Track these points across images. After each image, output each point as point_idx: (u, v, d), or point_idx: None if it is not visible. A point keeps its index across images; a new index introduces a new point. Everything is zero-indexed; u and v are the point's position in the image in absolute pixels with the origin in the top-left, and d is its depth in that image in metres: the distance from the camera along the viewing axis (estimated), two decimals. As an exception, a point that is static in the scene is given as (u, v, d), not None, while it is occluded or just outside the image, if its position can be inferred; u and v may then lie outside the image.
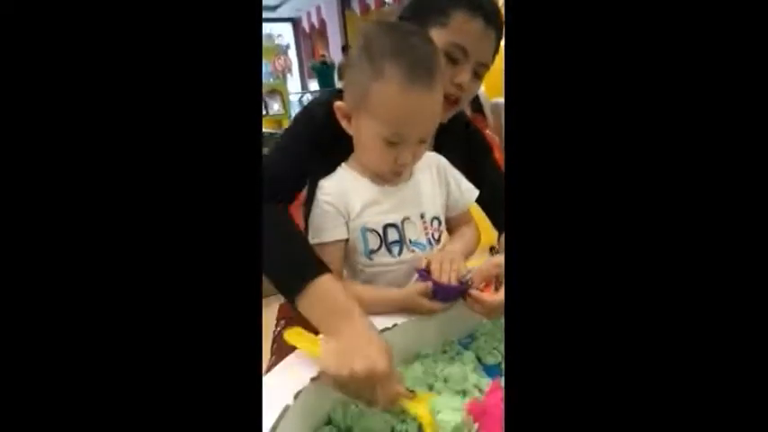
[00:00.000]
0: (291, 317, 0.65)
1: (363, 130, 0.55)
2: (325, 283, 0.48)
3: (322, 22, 8.28)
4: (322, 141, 0.60)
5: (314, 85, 7.03)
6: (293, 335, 0.50)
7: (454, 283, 0.53)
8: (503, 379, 0.50)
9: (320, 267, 0.49)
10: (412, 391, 0.44)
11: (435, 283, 0.53)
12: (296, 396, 0.43)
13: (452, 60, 0.63)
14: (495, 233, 0.76)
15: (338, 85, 5.96)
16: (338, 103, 0.56)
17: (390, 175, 0.58)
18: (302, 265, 0.49)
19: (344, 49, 6.62)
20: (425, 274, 0.55)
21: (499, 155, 1.36)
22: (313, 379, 0.45)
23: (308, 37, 9.30)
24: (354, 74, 0.53)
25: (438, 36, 0.61)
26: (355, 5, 7.43)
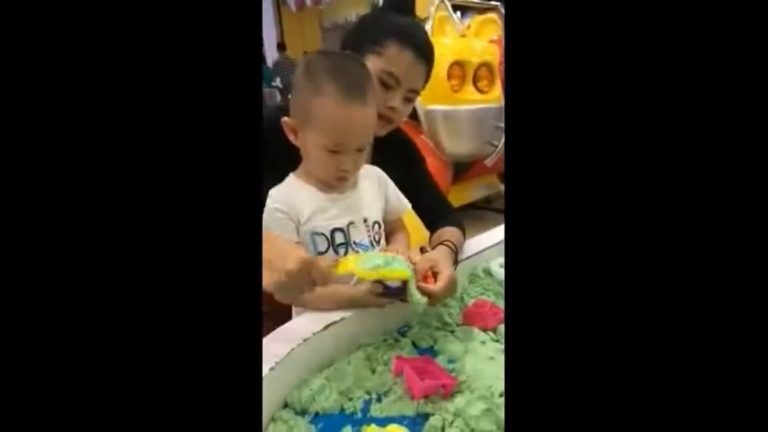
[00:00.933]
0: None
1: (308, 142, 0.62)
2: None
3: (256, 17, 8.01)
4: (270, 152, 0.66)
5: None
6: None
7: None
8: (436, 359, 0.59)
9: None
10: (335, 260, 0.56)
11: (385, 284, 0.61)
12: (256, 384, 0.48)
13: (386, 86, 0.71)
14: (426, 233, 0.86)
15: (275, 82, 5.79)
16: (285, 119, 0.63)
17: (335, 181, 0.65)
18: None
19: (280, 46, 6.46)
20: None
21: (432, 159, 1.47)
22: (271, 369, 0.51)
23: (241, 30, 8.94)
24: (298, 94, 0.61)
25: (373, 63, 0.69)
26: (290, 1, 7.30)
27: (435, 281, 0.63)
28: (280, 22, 7.58)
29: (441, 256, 0.68)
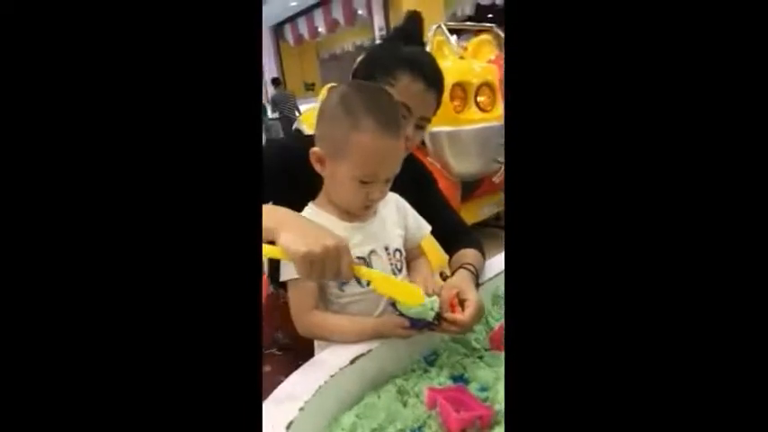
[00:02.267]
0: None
1: (339, 173, 0.62)
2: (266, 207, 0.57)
3: (256, 52, 8.28)
4: (293, 179, 0.67)
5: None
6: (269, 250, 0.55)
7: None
8: (467, 386, 0.57)
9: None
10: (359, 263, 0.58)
11: (409, 317, 0.59)
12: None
13: None
14: (444, 256, 0.85)
15: (273, 115, 5.95)
16: (313, 149, 0.63)
17: (360, 210, 0.65)
18: None
19: (275, 81, 6.70)
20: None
21: (440, 179, 1.47)
22: (300, 409, 0.49)
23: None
24: (331, 125, 0.61)
25: None
26: (289, 36, 7.54)
27: (462, 308, 0.62)
28: (279, 55, 7.82)
29: (464, 281, 0.66)
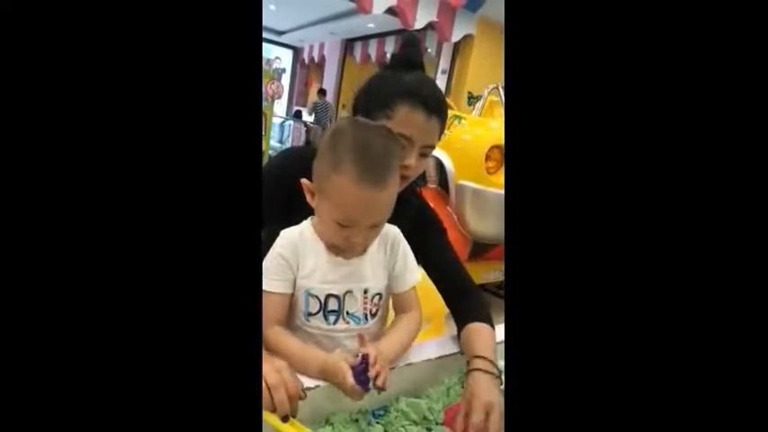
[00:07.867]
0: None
1: (322, 209, 0.59)
2: None
3: (322, 58, 8.58)
4: (290, 196, 0.65)
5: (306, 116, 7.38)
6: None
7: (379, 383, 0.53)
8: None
9: None
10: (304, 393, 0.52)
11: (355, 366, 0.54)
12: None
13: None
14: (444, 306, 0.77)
15: (310, 118, 6.29)
16: (304, 181, 0.60)
17: (343, 248, 0.61)
18: None
19: (321, 91, 7.12)
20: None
21: (452, 231, 1.44)
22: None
23: (305, 67, 9.56)
24: (320, 162, 0.58)
25: None
26: (357, 53, 7.79)
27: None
28: (342, 68, 8.08)
29: (489, 393, 0.58)
